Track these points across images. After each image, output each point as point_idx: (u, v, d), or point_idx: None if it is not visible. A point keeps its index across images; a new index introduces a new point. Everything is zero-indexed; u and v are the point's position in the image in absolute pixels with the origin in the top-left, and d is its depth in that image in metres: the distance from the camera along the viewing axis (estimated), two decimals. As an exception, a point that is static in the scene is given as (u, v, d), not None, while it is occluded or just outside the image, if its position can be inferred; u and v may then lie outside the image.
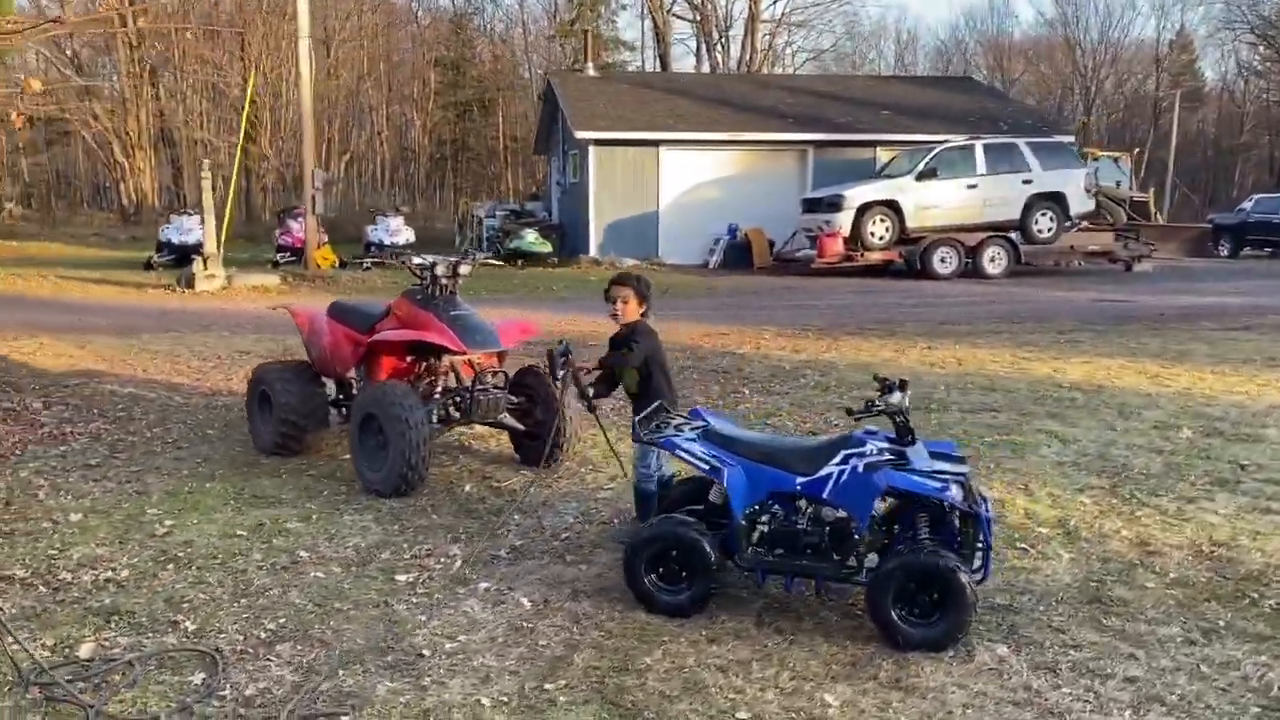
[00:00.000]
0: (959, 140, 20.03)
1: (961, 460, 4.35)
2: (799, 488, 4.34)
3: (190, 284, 16.08)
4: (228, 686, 3.55)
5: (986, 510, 4.21)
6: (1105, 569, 4.80)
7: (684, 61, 53.18)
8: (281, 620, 4.12)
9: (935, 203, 19.10)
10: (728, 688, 3.65)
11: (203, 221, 19.28)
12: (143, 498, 5.66)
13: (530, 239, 21.24)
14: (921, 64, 60.82)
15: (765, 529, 4.37)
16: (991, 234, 19.11)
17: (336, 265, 19.46)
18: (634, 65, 44.89)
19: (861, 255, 19.09)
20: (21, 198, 37.45)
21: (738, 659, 3.88)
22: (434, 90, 43.74)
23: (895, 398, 4.36)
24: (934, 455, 4.32)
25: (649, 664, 3.82)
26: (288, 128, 34.73)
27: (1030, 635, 4.11)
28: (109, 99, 35.31)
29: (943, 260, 18.99)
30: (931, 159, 19.25)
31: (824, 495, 4.29)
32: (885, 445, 4.26)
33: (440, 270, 6.21)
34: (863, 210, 18.98)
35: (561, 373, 4.99)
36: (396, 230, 20.88)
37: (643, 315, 5.24)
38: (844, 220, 18.97)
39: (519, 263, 20.96)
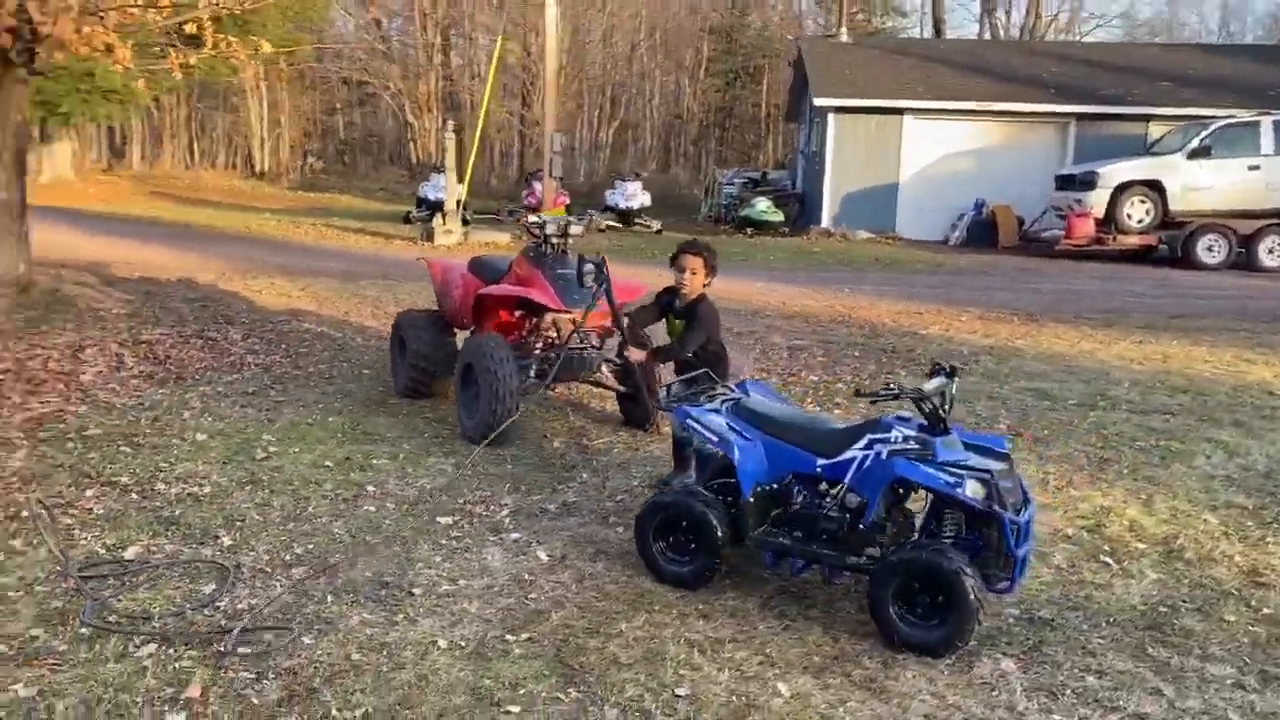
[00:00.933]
0: (1246, 116, 17.90)
1: (1004, 457, 3.98)
2: (820, 469, 4.14)
3: (430, 238, 17.21)
4: (226, 599, 3.86)
5: (1020, 514, 3.83)
6: (1188, 595, 4.26)
7: (967, 29, 50.60)
8: (310, 546, 4.42)
9: (1207, 184, 17.19)
10: (685, 663, 3.57)
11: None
12: (268, 425, 6.20)
13: (761, 207, 21.08)
14: (1250, 32, 54.54)
15: (778, 509, 4.22)
16: (1273, 222, 16.99)
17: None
18: (911, 32, 43.21)
19: (1114, 239, 17.54)
20: (329, 154, 41.22)
21: (716, 637, 3.78)
22: (705, 58, 44.03)
23: (932, 384, 4.06)
24: (971, 448, 3.98)
25: (623, 630, 3.80)
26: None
27: (1051, 654, 3.73)
28: (403, 62, 38.13)
29: (1209, 249, 17.10)
30: (1207, 135, 17.33)
31: (845, 479, 4.08)
32: (912, 433, 3.97)
33: (550, 229, 6.35)
34: (1120, 190, 17.40)
35: (590, 288, 5.02)
36: (633, 195, 21.34)
37: (706, 286, 5.16)
38: (1097, 200, 17.47)
39: (748, 231, 20.87)
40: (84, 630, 3.53)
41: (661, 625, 3.86)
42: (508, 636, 3.69)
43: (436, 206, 20.57)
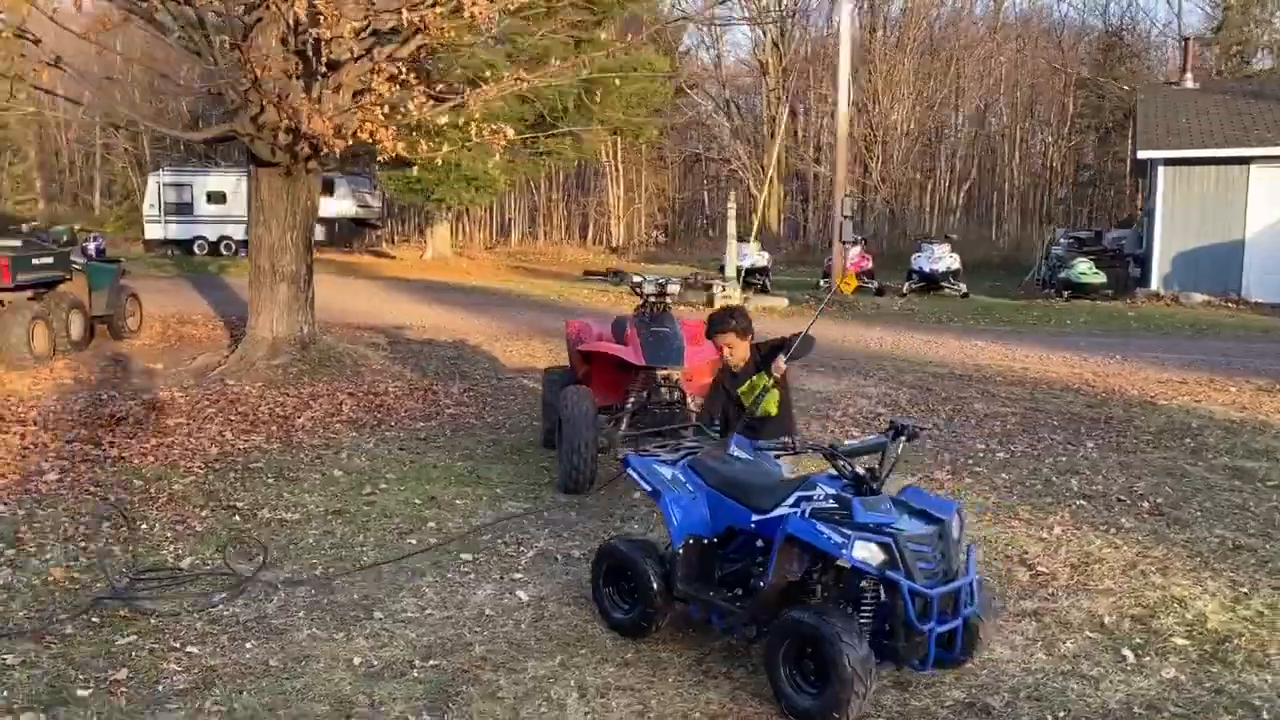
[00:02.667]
0: None
1: (938, 523, 3.70)
2: (753, 525, 4.06)
3: (710, 303, 17.81)
4: (223, 603, 4.50)
5: (938, 585, 3.55)
6: (1187, 701, 3.66)
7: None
8: (331, 569, 4.98)
9: None
10: (554, 704, 3.68)
11: (760, 247, 21.22)
12: (402, 466, 6.93)
13: (1080, 269, 19.55)
14: None
15: (702, 562, 4.17)
16: None
17: (858, 290, 19.91)
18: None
19: None
20: (675, 226, 43.48)
21: (614, 684, 3.84)
22: (1072, 113, 41.58)
23: (853, 443, 3.91)
24: (912, 511, 3.75)
25: (529, 668, 3.96)
26: (895, 156, 35.83)
27: (947, 749, 3.41)
28: (749, 137, 39.58)
29: None
30: None
31: (775, 535, 3.97)
32: (834, 491, 3.81)
33: (647, 289, 6.62)
34: None
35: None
36: (939, 258, 20.63)
37: (755, 345, 5.12)
38: None
39: (1065, 294, 19.43)
40: (94, 618, 4.30)
41: (571, 668, 3.97)
42: (416, 661, 3.99)
43: (749, 273, 21.04)
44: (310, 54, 10.05)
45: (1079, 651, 4.12)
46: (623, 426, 6.42)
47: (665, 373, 6.54)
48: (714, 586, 4.11)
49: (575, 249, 37.64)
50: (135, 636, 4.15)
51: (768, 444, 4.20)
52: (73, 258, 11.97)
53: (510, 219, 41.39)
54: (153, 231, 32.74)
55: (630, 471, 4.39)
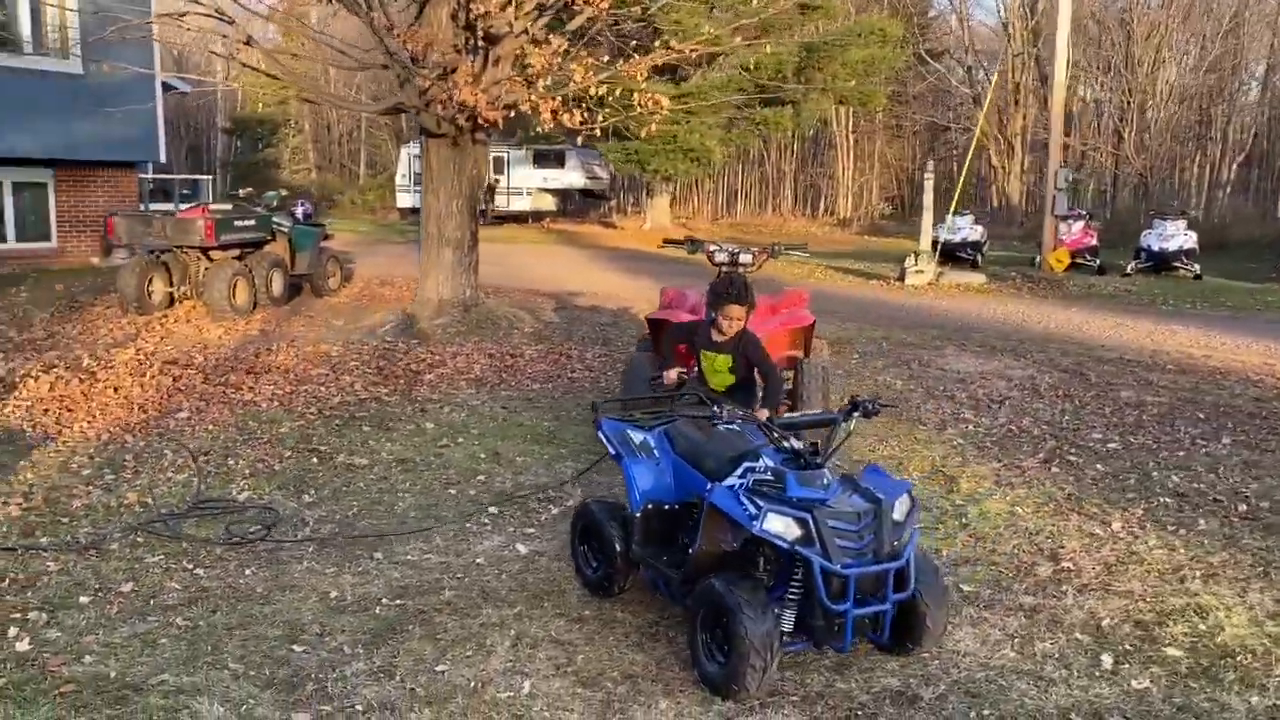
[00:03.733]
0: None
1: (874, 501, 3.56)
2: (706, 493, 4.03)
3: (902, 278, 17.17)
4: (258, 535, 4.94)
5: (853, 566, 3.43)
6: (1163, 715, 3.35)
7: None
8: (363, 512, 5.34)
9: None
10: (482, 650, 3.82)
11: (974, 220, 20.20)
12: (489, 422, 7.25)
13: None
14: None
15: (661, 528, 4.16)
16: None
17: (1072, 268, 18.54)
18: None
19: None
20: (907, 199, 41.94)
21: (550, 637, 3.94)
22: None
23: (790, 416, 3.83)
24: (857, 489, 3.63)
25: (481, 616, 4.12)
26: (1153, 124, 32.93)
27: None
28: (994, 107, 37.52)
29: None
30: None
31: (721, 504, 3.93)
32: (774, 464, 3.74)
33: (719, 258, 6.56)
34: None
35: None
36: (1171, 235, 18.81)
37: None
38: None
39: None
40: (139, 539, 4.84)
41: (522, 619, 4.10)
42: (384, 600, 4.25)
43: (959, 247, 20.10)
44: (471, 27, 10.53)
45: (1053, 652, 3.82)
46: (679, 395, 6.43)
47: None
48: (667, 552, 4.11)
49: (801, 222, 37.19)
50: (161, 557, 4.64)
51: (694, 412, 4.15)
52: (279, 221, 13.13)
53: (737, 190, 41.33)
54: (403, 200, 35.17)
55: (600, 434, 4.44)
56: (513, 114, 11.57)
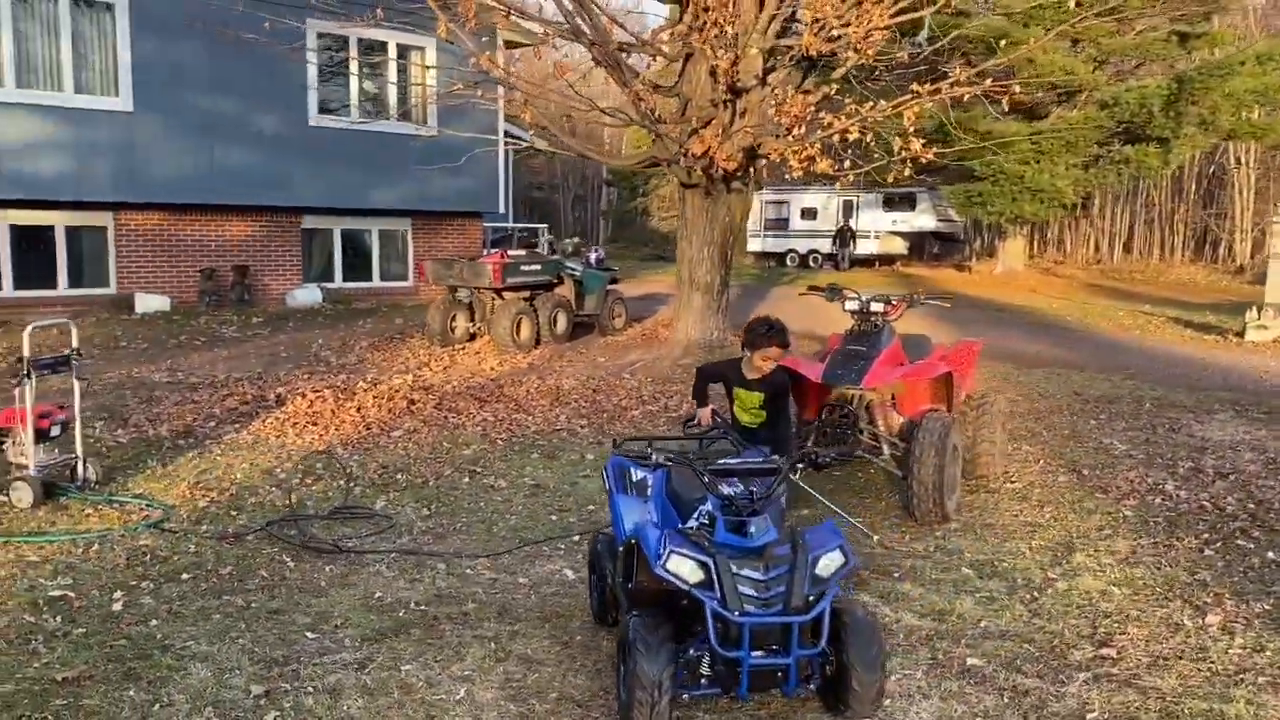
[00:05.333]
0: None
1: (793, 554, 3.57)
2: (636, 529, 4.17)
3: (1242, 334, 15.13)
4: (370, 539, 5.67)
5: (755, 615, 3.47)
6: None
7: None
8: (462, 531, 5.89)
9: None
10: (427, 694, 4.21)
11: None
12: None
13: None
14: None
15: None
16: None
17: None
18: None
19: None
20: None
21: (525, 654, 4.24)
22: None
23: (729, 460, 3.88)
24: (784, 539, 3.66)
25: (484, 632, 4.50)
26: None
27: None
28: None
29: None
30: None
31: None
32: (708, 509, 3.85)
33: (849, 306, 6.49)
34: None
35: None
36: None
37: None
38: None
39: None
40: (273, 533, 5.72)
41: (511, 635, 4.43)
42: (413, 604, 4.74)
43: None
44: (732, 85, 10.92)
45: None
46: (808, 442, 6.38)
47: (854, 392, 6.33)
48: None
49: (1185, 267, 33.63)
50: (273, 549, 5.47)
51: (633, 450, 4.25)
52: (571, 266, 14.31)
53: (1115, 232, 38.11)
54: (753, 244, 36.29)
55: (606, 471, 4.64)
56: (763, 163, 11.87)
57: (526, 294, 13.34)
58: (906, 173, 10.86)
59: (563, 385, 10.13)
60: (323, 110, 16.75)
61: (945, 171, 26.55)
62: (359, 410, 8.75)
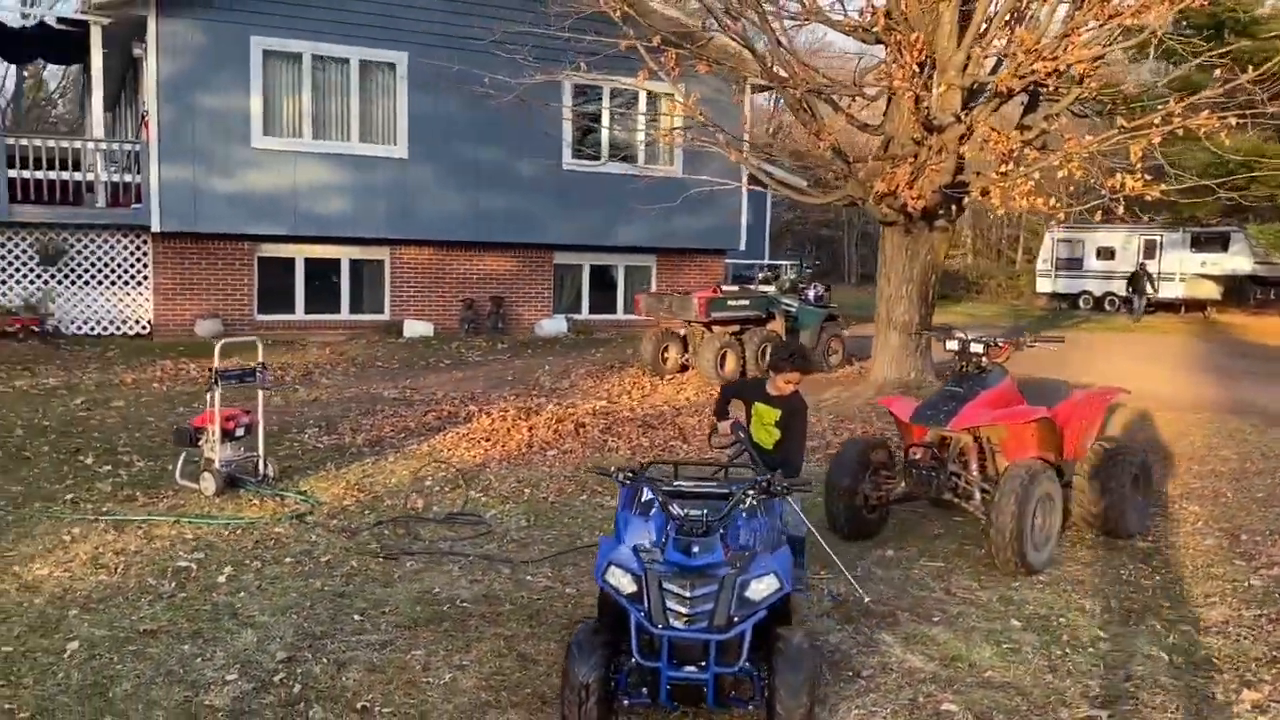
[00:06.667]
0: None
1: (724, 574, 3.77)
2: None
3: None
4: (467, 542, 6.25)
5: (676, 629, 3.71)
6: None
7: None
8: (552, 542, 6.32)
9: None
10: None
11: None
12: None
13: None
14: None
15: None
16: None
17: None
18: None
19: None
20: None
21: (489, 654, 4.62)
22: None
23: (680, 483, 4.14)
24: (728, 562, 3.88)
25: (469, 631, 4.93)
26: None
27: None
28: None
29: None
30: None
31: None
32: (658, 526, 4.12)
33: (950, 346, 6.43)
34: None
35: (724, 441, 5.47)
36: None
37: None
38: None
39: None
40: (385, 530, 6.43)
41: (526, 636, 4.81)
42: (455, 601, 5.24)
43: None
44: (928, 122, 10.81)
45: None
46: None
47: (947, 434, 6.19)
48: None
49: None
50: (377, 546, 6.16)
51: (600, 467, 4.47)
52: (787, 302, 14.48)
53: None
54: (1043, 285, 34.46)
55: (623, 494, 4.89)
56: (965, 201, 11.54)
57: (735, 328, 13.66)
58: (1120, 210, 10.25)
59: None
60: (575, 155, 17.97)
61: (1255, 210, 24.11)
62: (530, 430, 9.43)
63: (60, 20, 16.15)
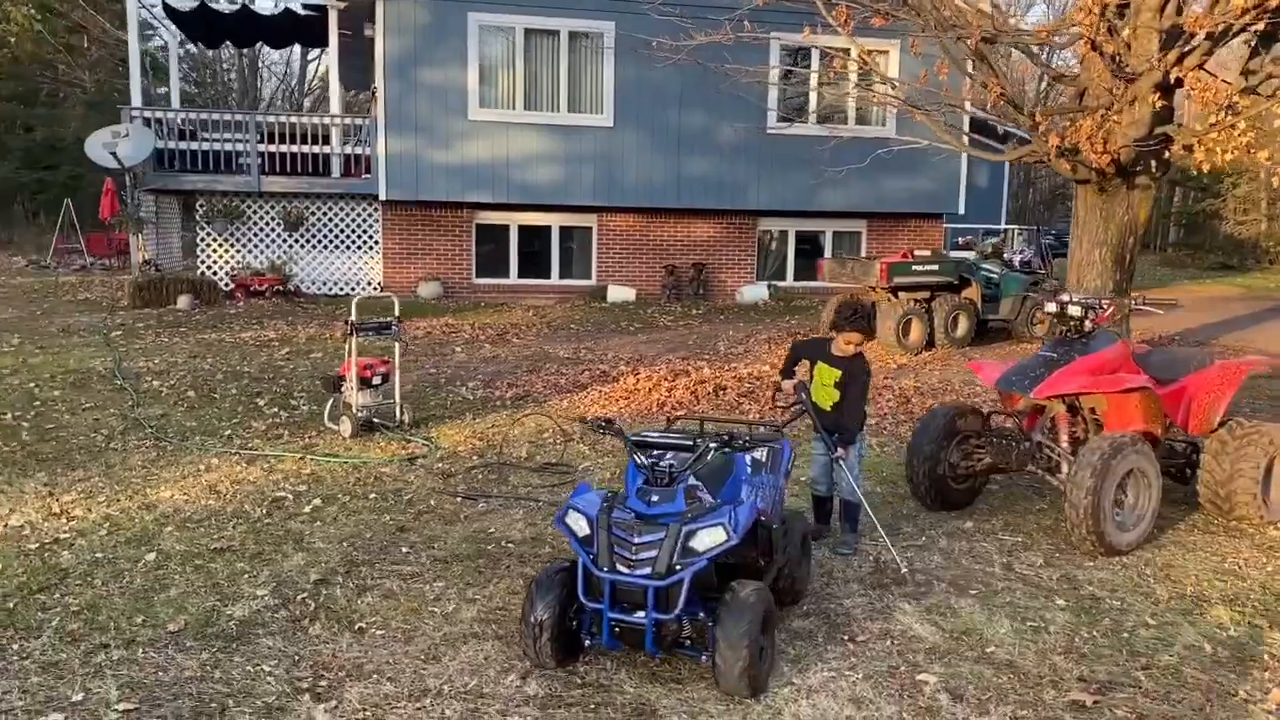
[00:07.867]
0: None
1: (669, 524, 3.81)
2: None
3: None
4: (550, 485, 6.47)
5: (621, 574, 3.78)
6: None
7: None
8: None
9: None
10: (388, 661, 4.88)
11: None
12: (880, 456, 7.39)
13: None
14: None
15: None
16: None
17: None
18: None
19: None
20: None
21: (483, 612, 4.78)
22: None
23: (649, 433, 4.20)
24: (682, 513, 3.90)
25: (489, 587, 5.10)
26: None
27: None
28: None
29: None
30: None
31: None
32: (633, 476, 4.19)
33: (1048, 308, 6.03)
34: None
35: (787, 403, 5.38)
36: None
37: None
38: None
39: None
40: (477, 473, 6.75)
41: (518, 573, 4.95)
42: (504, 542, 5.45)
43: None
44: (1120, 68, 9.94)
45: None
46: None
47: (1037, 401, 5.73)
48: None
49: None
50: (464, 487, 6.48)
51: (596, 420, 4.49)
52: (987, 268, 13.71)
53: None
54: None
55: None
56: (1164, 156, 10.46)
57: (925, 295, 13.09)
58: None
59: (884, 386, 9.99)
60: (780, 118, 17.72)
61: None
62: (670, 392, 9.53)
63: (305, 6, 17.68)
